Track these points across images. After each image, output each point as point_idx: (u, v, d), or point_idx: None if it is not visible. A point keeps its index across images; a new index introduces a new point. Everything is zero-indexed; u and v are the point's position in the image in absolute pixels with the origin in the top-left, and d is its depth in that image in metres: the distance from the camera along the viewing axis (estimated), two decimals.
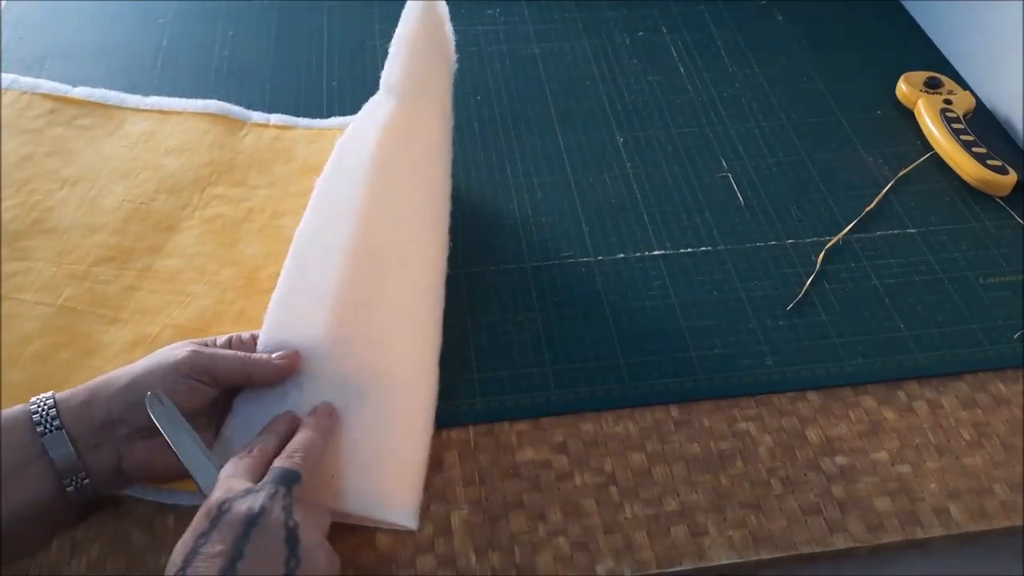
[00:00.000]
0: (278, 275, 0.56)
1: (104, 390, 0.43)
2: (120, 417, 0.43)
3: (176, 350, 0.45)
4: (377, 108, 0.54)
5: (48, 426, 0.41)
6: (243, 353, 0.46)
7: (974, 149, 0.66)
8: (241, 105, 0.69)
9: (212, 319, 0.54)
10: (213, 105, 0.68)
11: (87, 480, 0.42)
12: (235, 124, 0.68)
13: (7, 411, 0.42)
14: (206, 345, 0.46)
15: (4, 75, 0.70)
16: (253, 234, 0.60)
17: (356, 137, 0.53)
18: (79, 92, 0.69)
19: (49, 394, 0.43)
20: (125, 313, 0.55)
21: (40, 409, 0.42)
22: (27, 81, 0.70)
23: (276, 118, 0.68)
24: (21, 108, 0.67)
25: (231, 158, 0.65)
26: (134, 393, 0.43)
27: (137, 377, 0.43)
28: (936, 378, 0.54)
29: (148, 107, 0.68)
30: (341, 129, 0.67)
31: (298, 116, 0.69)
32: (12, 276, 0.56)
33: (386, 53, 0.55)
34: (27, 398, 0.49)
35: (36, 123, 0.66)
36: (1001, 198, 0.65)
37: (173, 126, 0.67)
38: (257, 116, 0.69)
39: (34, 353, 0.52)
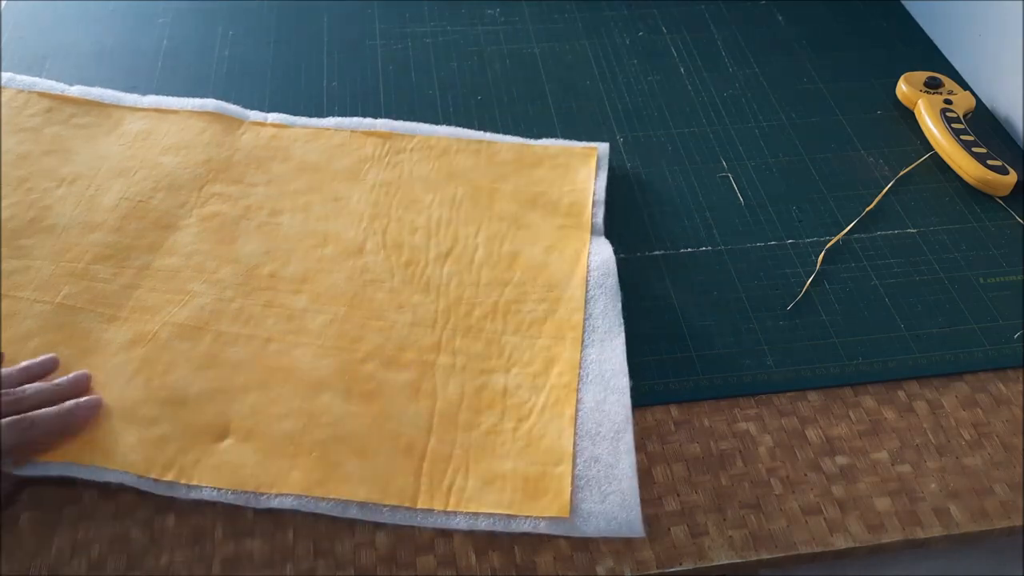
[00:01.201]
0: (276, 273, 0.57)
1: None
2: None
3: None
4: (604, 247, 0.59)
5: None
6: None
7: (974, 149, 0.66)
8: (241, 105, 0.69)
9: (211, 317, 0.54)
10: (210, 104, 0.68)
11: None
12: (232, 123, 0.68)
13: None
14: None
15: (2, 73, 0.70)
16: (251, 232, 0.60)
17: (609, 273, 0.58)
18: (76, 91, 0.69)
19: None
20: (124, 311, 0.55)
21: None
22: (24, 79, 0.70)
23: (273, 117, 0.68)
24: (18, 106, 0.67)
25: (228, 156, 0.65)
26: None
27: None
28: (936, 378, 0.54)
29: (145, 106, 0.68)
30: (339, 129, 0.67)
31: (297, 116, 0.69)
32: (11, 274, 0.56)
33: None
34: None
35: (33, 121, 0.66)
36: (1001, 198, 0.65)
37: (170, 124, 0.67)
38: (254, 115, 0.69)
39: (34, 350, 0.52)
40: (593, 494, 0.47)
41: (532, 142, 0.67)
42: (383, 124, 0.68)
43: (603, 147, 0.67)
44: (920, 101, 0.71)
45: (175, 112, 0.68)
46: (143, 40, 0.78)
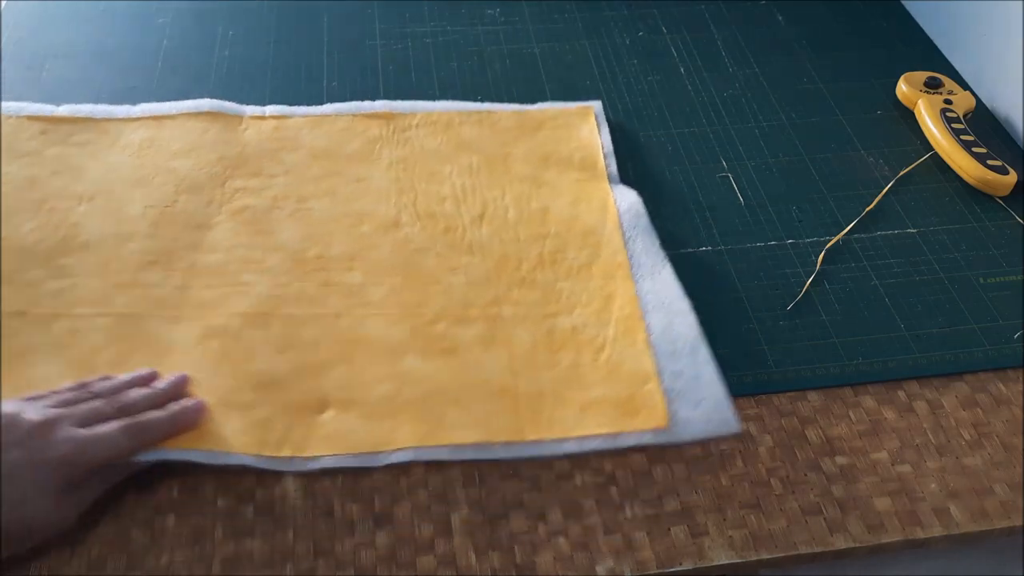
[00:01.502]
0: (323, 255, 0.58)
1: None
2: None
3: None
4: (628, 193, 0.63)
5: None
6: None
7: (974, 149, 0.66)
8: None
9: (274, 303, 0.55)
10: (205, 104, 0.68)
11: None
12: (232, 120, 0.68)
13: None
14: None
15: None
16: (285, 220, 0.60)
17: (639, 214, 0.61)
18: (64, 110, 0.68)
19: None
20: (186, 310, 0.54)
21: None
22: (9, 105, 0.67)
23: (271, 109, 0.69)
24: (10, 132, 0.66)
25: (239, 151, 0.65)
26: None
27: None
28: (936, 378, 0.54)
29: (139, 115, 0.68)
30: (339, 114, 0.68)
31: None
32: (60, 293, 0.55)
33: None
34: None
35: (31, 145, 0.65)
36: (1001, 198, 0.65)
37: (171, 129, 0.67)
38: (251, 109, 0.69)
39: (109, 361, 0.51)
40: (685, 404, 0.50)
41: (528, 107, 0.70)
42: (381, 105, 0.69)
43: (597, 105, 0.71)
44: (920, 101, 0.71)
45: (172, 117, 0.68)
46: (143, 40, 0.78)
